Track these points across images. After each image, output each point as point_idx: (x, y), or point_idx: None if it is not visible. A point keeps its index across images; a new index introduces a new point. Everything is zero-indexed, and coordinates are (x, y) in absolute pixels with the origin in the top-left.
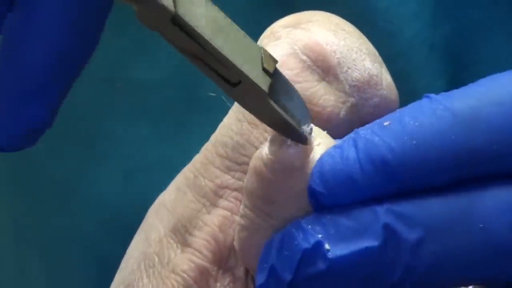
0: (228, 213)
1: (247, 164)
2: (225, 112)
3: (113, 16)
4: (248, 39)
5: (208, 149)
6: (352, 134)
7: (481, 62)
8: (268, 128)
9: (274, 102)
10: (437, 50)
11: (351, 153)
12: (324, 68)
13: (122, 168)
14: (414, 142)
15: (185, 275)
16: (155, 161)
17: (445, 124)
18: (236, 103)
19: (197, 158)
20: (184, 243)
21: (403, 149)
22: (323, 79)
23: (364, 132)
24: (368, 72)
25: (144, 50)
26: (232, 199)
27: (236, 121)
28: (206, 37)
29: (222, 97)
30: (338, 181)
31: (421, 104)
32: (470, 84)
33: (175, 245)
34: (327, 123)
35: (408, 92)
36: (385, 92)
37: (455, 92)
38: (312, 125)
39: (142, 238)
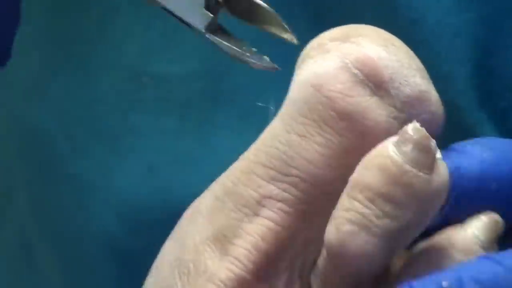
0: (272, 224)
1: (295, 176)
2: (252, 106)
3: (138, 10)
4: None
5: (249, 159)
6: None
7: (508, 48)
8: (319, 140)
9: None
10: (462, 36)
11: None
12: (376, 83)
13: (147, 162)
14: None
15: (222, 285)
16: (179, 155)
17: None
18: (281, 113)
19: (236, 166)
20: (223, 252)
21: None
22: (375, 94)
23: None
24: (419, 88)
25: (169, 44)
26: (276, 210)
27: (284, 132)
28: None
29: (271, 107)
30: None
31: (480, 264)
32: None
33: (213, 253)
34: (379, 139)
35: (432, 78)
36: (434, 108)
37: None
38: None
39: (176, 244)
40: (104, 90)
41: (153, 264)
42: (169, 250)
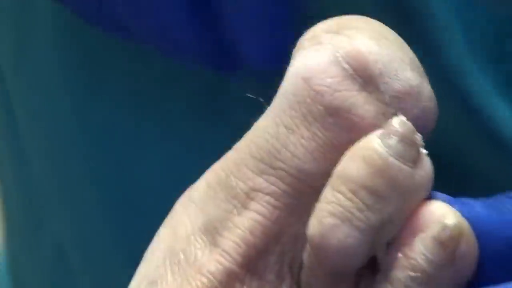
0: (260, 217)
1: (282, 169)
2: None
3: None
4: None
5: (241, 149)
6: None
7: None
8: (305, 134)
9: None
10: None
11: None
12: (365, 77)
13: None
14: None
15: (211, 277)
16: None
17: None
18: (273, 104)
19: (229, 156)
20: (213, 243)
21: None
22: (364, 89)
23: None
24: (410, 83)
25: None
26: (264, 203)
27: (272, 125)
28: None
29: (260, 99)
30: None
31: None
32: None
33: (203, 244)
34: (366, 134)
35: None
36: (425, 104)
37: None
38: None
39: (169, 232)
40: None
41: (146, 251)
42: (162, 237)
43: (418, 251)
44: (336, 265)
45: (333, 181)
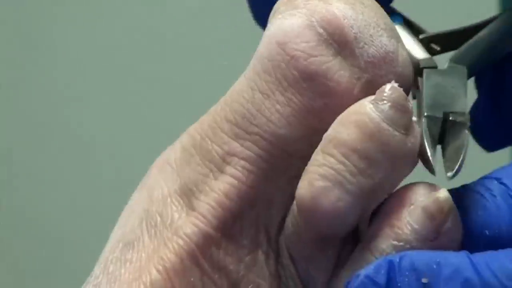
0: (235, 181)
1: (257, 134)
2: None
3: None
4: None
5: (217, 112)
6: None
7: None
8: (280, 99)
9: None
10: None
11: None
12: (340, 42)
13: None
14: None
15: (187, 239)
16: None
17: None
18: (249, 68)
19: (205, 120)
20: (189, 206)
21: None
22: (339, 54)
23: None
24: (385, 48)
25: None
26: (239, 168)
27: (248, 89)
28: None
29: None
30: None
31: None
32: None
33: (180, 207)
34: (340, 99)
35: None
36: (400, 69)
37: None
38: None
39: (144, 195)
40: None
41: (121, 214)
42: (137, 200)
43: (405, 221)
44: (325, 228)
45: (324, 144)
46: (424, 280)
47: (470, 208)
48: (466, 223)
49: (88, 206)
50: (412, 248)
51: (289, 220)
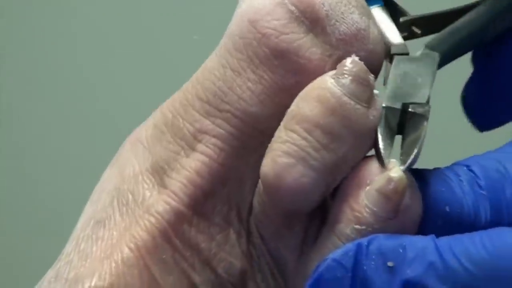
0: (207, 159)
1: (229, 111)
2: None
3: None
4: None
5: (188, 90)
6: None
7: None
8: (252, 77)
9: None
10: None
11: None
12: (311, 20)
13: None
14: None
15: (159, 217)
16: None
17: None
18: (220, 46)
19: (176, 97)
20: (161, 184)
21: None
22: (310, 31)
23: None
24: (356, 26)
25: None
26: (210, 146)
27: (219, 67)
28: None
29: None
30: None
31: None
32: None
33: (151, 185)
34: (312, 76)
35: None
36: (371, 47)
37: None
38: None
39: (116, 172)
40: None
41: (92, 192)
42: (108, 178)
43: (363, 204)
44: (290, 205)
45: (286, 120)
46: (389, 264)
47: (434, 184)
48: (427, 198)
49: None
50: (375, 229)
51: (255, 199)
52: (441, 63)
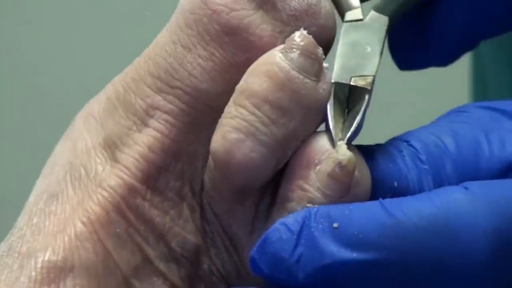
0: (159, 135)
1: (179, 88)
2: None
3: None
4: None
5: (140, 66)
6: None
7: None
8: (202, 53)
9: None
10: None
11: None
12: None
13: None
14: None
15: (112, 191)
16: None
17: None
18: (171, 21)
19: (128, 72)
20: (113, 159)
21: None
22: (260, 8)
23: None
24: (307, 1)
25: None
26: (162, 121)
27: (170, 43)
28: None
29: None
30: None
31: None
32: None
33: (103, 159)
34: (263, 53)
35: None
36: (323, 21)
37: None
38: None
39: (68, 146)
40: None
41: (45, 165)
42: (61, 152)
43: (314, 185)
44: (240, 181)
45: (235, 96)
46: (335, 225)
47: (380, 160)
48: (376, 173)
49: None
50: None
51: (206, 175)
52: (392, 24)
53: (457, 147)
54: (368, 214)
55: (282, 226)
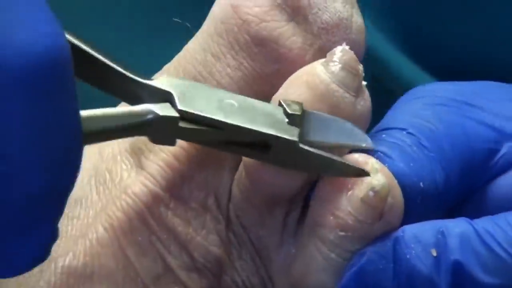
0: (185, 143)
1: None
2: None
3: None
4: (256, 101)
5: (170, 72)
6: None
7: None
8: (232, 63)
9: (309, 146)
10: None
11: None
12: (294, 8)
13: None
14: None
15: (136, 198)
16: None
17: None
18: (202, 29)
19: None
20: (139, 166)
21: None
22: (292, 20)
23: None
24: (339, 15)
25: None
26: None
27: (200, 51)
28: (220, 118)
29: (187, 24)
30: None
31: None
32: None
33: (129, 166)
34: (292, 65)
35: None
36: (353, 36)
37: None
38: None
39: (95, 152)
40: None
41: None
42: (88, 156)
43: (346, 211)
44: (272, 188)
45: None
46: (433, 253)
47: (399, 160)
48: (400, 177)
49: None
50: (360, 233)
51: (236, 187)
52: None
53: (446, 128)
54: (467, 244)
55: (375, 254)
